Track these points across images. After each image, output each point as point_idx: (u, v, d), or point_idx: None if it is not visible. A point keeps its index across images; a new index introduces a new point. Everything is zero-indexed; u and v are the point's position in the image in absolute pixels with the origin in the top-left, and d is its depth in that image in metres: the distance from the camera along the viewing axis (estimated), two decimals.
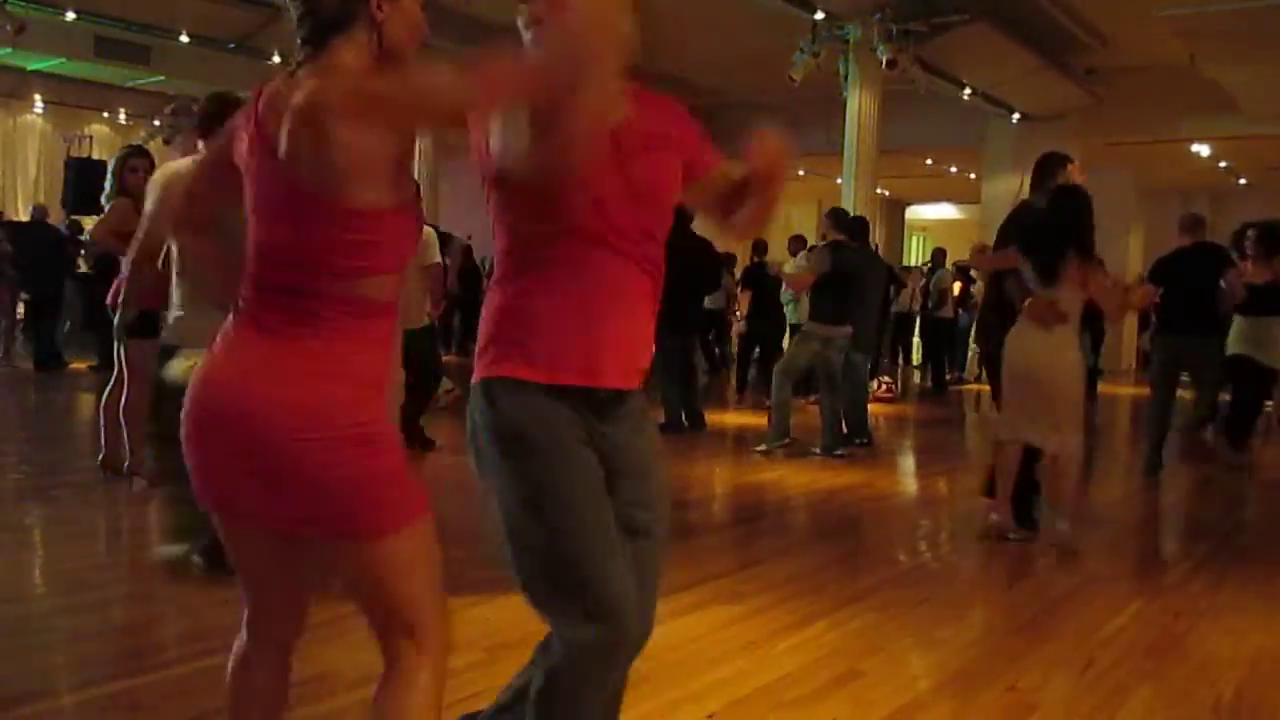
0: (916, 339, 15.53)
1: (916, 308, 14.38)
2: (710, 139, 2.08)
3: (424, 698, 1.72)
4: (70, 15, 11.51)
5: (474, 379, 1.95)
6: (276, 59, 13.03)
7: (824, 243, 7.69)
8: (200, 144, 4.16)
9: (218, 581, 4.03)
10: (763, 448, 7.47)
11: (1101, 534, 5.35)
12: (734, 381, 11.85)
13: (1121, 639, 3.78)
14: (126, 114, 18.58)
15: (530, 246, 1.90)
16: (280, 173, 1.63)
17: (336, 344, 1.67)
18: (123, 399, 5.35)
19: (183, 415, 1.71)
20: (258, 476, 1.65)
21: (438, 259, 6.98)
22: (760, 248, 11.57)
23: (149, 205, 4.41)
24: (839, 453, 7.47)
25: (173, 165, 4.43)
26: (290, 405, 1.63)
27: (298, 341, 1.66)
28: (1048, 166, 5.17)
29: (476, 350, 1.99)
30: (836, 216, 7.83)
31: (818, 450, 7.45)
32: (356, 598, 1.77)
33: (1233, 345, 6.98)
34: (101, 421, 5.54)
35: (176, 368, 3.46)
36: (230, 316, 1.74)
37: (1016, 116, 14.84)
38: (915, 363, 16.48)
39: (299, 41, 1.69)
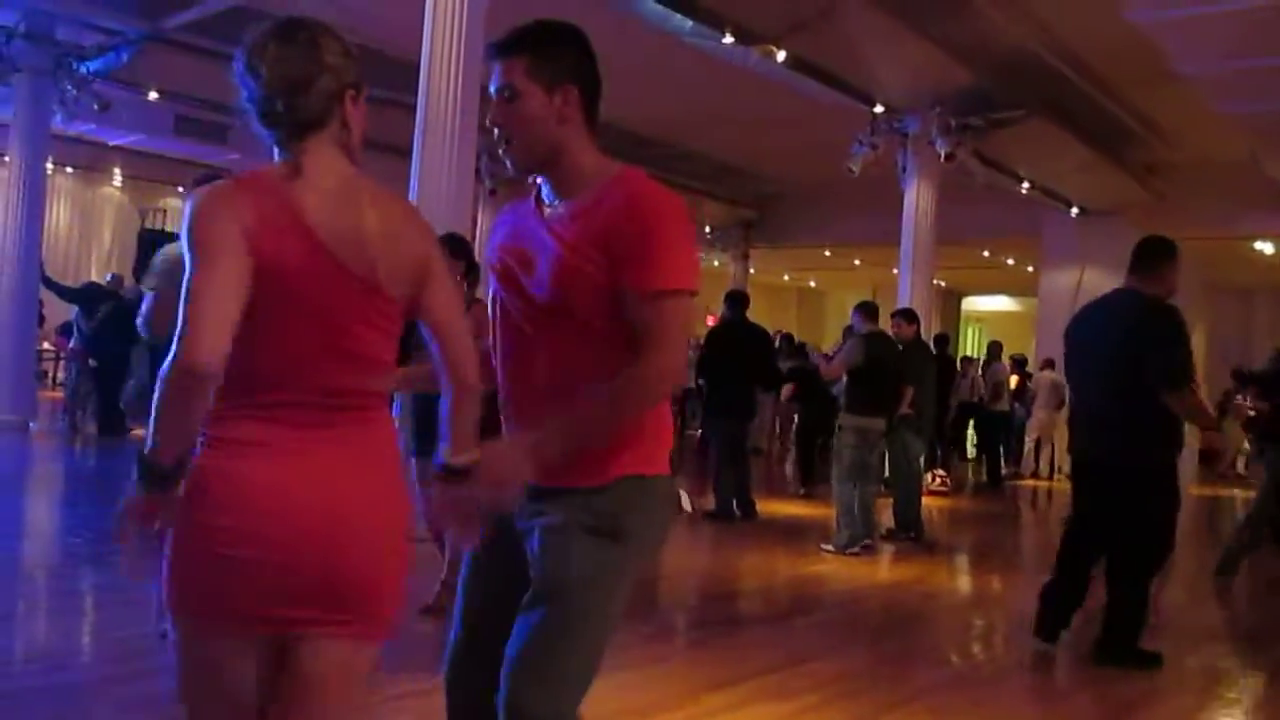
0: (970, 431, 15.32)
1: (974, 399, 14.23)
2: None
3: None
4: (153, 95, 12.04)
5: (641, 470, 1.95)
6: None
7: (857, 336, 7.58)
8: None
9: None
10: (829, 547, 7.17)
11: (1166, 643, 5.15)
12: (790, 470, 11.72)
13: None
14: None
15: None
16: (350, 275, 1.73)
17: (379, 445, 1.81)
18: None
19: (228, 525, 1.66)
20: (307, 580, 1.69)
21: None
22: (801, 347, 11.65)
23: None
24: (853, 550, 7.11)
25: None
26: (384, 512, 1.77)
27: (357, 445, 1.76)
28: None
29: (639, 446, 1.97)
30: (866, 310, 7.74)
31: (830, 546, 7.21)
32: (303, 702, 1.74)
33: None
34: None
35: None
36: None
37: (1075, 210, 14.80)
38: (969, 456, 16.24)
39: (277, 136, 1.77)
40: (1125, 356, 4.43)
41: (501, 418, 2.04)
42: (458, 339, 1.84)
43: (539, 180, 2.05)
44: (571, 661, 1.89)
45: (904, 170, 11.74)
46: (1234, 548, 7.07)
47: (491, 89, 1.97)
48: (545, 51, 1.92)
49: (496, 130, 1.97)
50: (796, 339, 15.48)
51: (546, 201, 2.01)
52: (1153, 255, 4.68)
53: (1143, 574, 4.55)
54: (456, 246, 4.37)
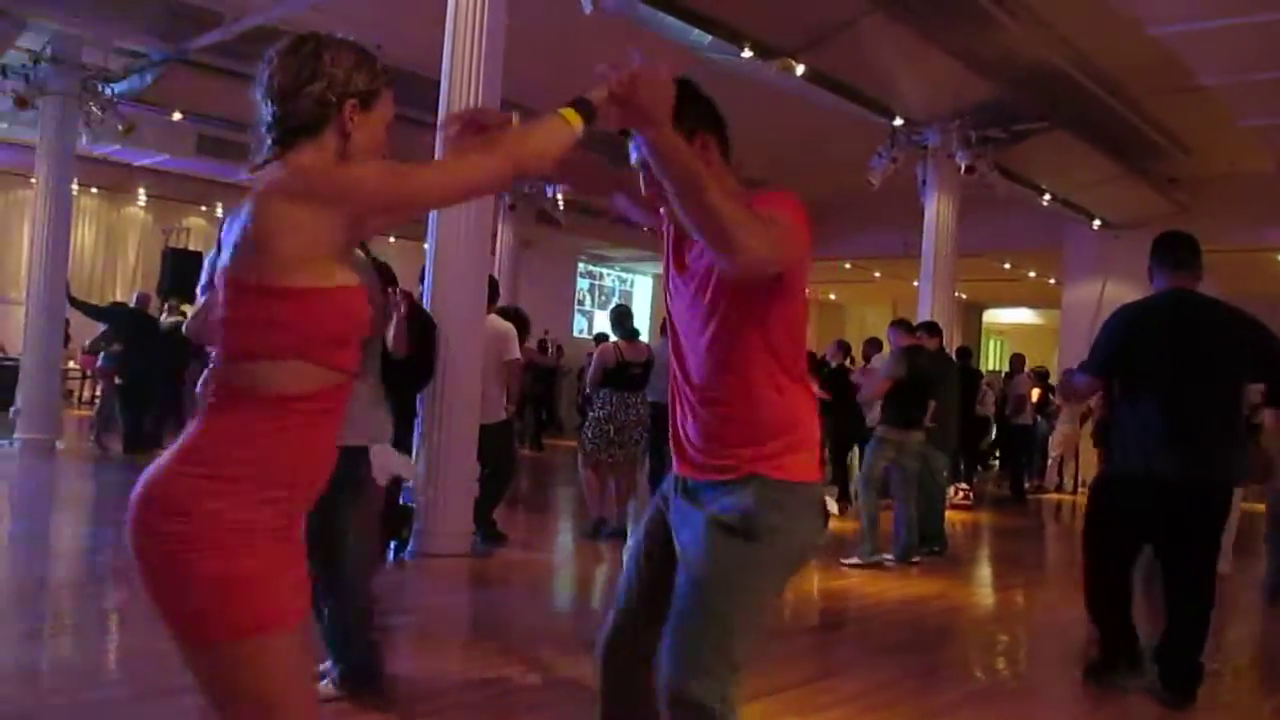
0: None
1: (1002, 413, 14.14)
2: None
3: None
4: (176, 115, 12.19)
5: (775, 473, 2.09)
6: None
7: (899, 348, 7.66)
8: None
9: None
10: (854, 560, 7.18)
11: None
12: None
13: None
14: (224, 208, 19.37)
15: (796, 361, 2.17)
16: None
17: (211, 432, 1.69)
18: None
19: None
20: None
21: (516, 354, 7.09)
22: (845, 349, 11.53)
23: None
24: (914, 560, 7.30)
25: None
26: (154, 495, 1.69)
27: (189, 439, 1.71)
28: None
29: (777, 449, 2.10)
30: (903, 325, 7.84)
31: (890, 558, 7.28)
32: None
33: None
34: None
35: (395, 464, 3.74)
36: None
37: (1098, 223, 14.72)
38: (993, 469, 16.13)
39: (269, 142, 1.79)
40: (1223, 364, 4.14)
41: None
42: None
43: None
44: (718, 651, 2.02)
45: (924, 183, 11.71)
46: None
47: (634, 153, 2.10)
48: (679, 110, 1.97)
49: (647, 184, 2.11)
50: (818, 354, 15.38)
51: None
52: (1196, 252, 4.37)
53: (1211, 590, 4.26)
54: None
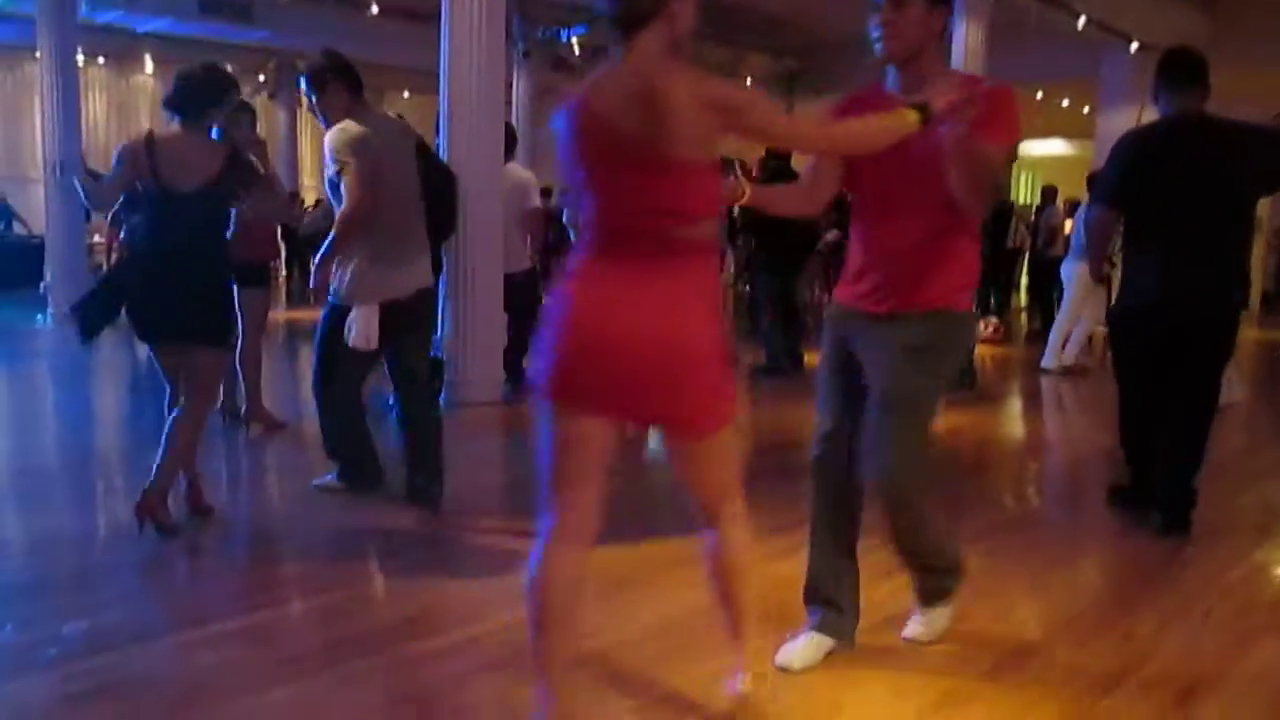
0: (1025, 279, 15.04)
1: (1026, 246, 13.90)
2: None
3: (745, 529, 2.40)
4: None
5: (952, 304, 2.69)
6: (374, 10, 13.16)
7: None
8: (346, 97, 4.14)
9: (334, 524, 4.18)
10: None
11: (1224, 483, 5.10)
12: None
13: (1243, 589, 3.64)
14: (232, 69, 19.01)
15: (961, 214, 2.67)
16: (628, 141, 2.10)
17: (679, 279, 2.16)
18: (237, 347, 5.52)
19: (553, 332, 2.17)
20: (628, 385, 2.14)
21: (537, 203, 7.00)
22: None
23: (355, 168, 3.96)
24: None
25: (355, 128, 4.02)
26: (675, 332, 2.14)
27: (656, 278, 2.15)
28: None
29: (955, 287, 2.70)
30: None
31: None
32: (688, 476, 2.34)
33: None
34: None
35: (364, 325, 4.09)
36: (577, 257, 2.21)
37: (1135, 46, 14.12)
38: (1022, 304, 16.01)
39: (614, 34, 2.17)
40: (1230, 186, 4.02)
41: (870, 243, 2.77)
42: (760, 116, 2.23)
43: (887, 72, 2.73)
44: (913, 447, 2.66)
45: (952, 11, 11.24)
46: None
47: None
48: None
49: (878, 21, 2.61)
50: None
51: (889, 89, 2.70)
52: (1202, 70, 4.15)
53: (1210, 417, 4.22)
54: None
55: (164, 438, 3.88)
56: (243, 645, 2.95)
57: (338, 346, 4.19)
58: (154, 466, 3.84)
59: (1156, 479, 4.31)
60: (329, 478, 4.54)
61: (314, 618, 3.23)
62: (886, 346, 2.67)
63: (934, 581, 2.99)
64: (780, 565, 3.43)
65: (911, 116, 2.33)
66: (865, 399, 2.71)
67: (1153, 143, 4.19)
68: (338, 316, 4.17)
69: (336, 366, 4.29)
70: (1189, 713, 2.65)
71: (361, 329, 4.10)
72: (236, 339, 3.92)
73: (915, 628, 3.03)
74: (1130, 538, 4.27)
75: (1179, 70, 4.17)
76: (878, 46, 2.64)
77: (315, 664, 2.82)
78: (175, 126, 3.92)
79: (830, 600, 2.89)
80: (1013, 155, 2.70)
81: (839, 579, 2.90)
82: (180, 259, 3.80)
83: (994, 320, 11.41)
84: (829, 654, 2.86)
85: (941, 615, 3.04)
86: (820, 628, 2.88)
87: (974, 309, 2.81)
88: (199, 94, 3.89)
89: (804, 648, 2.83)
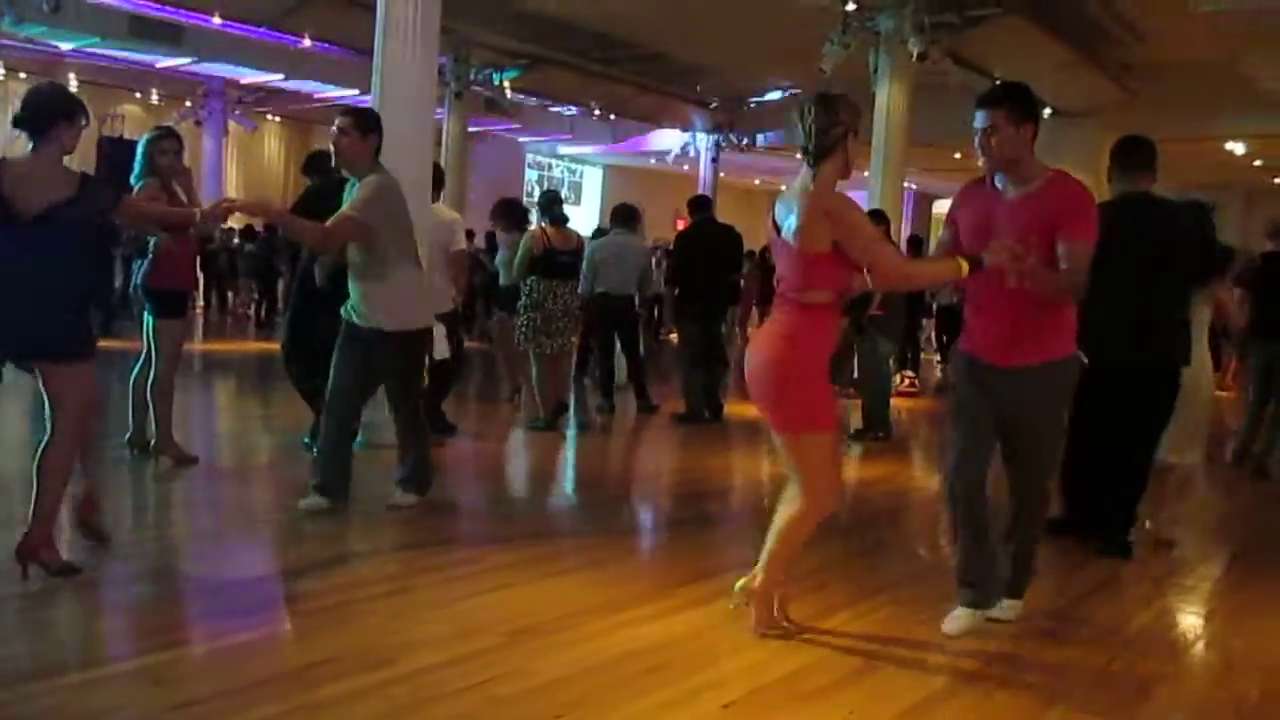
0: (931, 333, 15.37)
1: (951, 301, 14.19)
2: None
3: (798, 515, 3.43)
4: None
5: (1067, 352, 3.52)
6: (307, 42, 13.04)
7: None
8: None
9: (239, 563, 4.07)
10: None
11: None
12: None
13: (1144, 637, 3.75)
14: (159, 95, 18.69)
15: None
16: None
17: (793, 325, 3.33)
18: (150, 378, 5.39)
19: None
20: (753, 389, 3.44)
21: (462, 244, 6.97)
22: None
23: (373, 211, 4.63)
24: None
25: (392, 182, 4.81)
26: (772, 358, 3.35)
27: (781, 324, 3.37)
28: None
29: (1067, 335, 3.53)
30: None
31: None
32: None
33: None
34: (130, 400, 5.57)
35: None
36: None
37: (1049, 112, 14.65)
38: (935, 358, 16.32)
39: (806, 160, 3.27)
40: (1171, 262, 4.60)
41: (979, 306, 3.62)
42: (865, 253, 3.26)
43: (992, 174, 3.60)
44: (1051, 461, 3.77)
45: (876, 71, 11.56)
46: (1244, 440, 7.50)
47: (979, 125, 3.51)
48: (1017, 103, 3.51)
49: (979, 143, 3.51)
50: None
51: (998, 186, 3.53)
52: (1152, 155, 4.74)
53: (1151, 454, 4.85)
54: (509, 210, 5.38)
55: (34, 472, 3.65)
56: (139, 686, 2.85)
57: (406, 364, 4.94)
58: (30, 506, 3.67)
59: (1099, 509, 4.85)
60: (314, 499, 4.74)
61: (215, 660, 3.13)
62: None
63: (1024, 575, 3.76)
64: (705, 609, 3.42)
65: (964, 266, 3.28)
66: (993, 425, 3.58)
67: (1106, 218, 4.56)
68: (405, 342, 4.84)
69: (372, 383, 4.99)
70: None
71: (439, 342, 5.32)
72: (94, 353, 3.73)
73: (1005, 613, 3.73)
74: (1038, 585, 4.36)
75: (1131, 156, 4.74)
76: (982, 161, 3.46)
77: (216, 709, 2.73)
78: (29, 149, 3.72)
79: (972, 583, 3.63)
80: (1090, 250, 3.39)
81: (977, 565, 3.62)
82: (24, 276, 3.57)
83: (909, 374, 11.64)
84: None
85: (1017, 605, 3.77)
86: (968, 603, 3.62)
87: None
88: (46, 108, 3.73)
89: (958, 619, 3.60)
